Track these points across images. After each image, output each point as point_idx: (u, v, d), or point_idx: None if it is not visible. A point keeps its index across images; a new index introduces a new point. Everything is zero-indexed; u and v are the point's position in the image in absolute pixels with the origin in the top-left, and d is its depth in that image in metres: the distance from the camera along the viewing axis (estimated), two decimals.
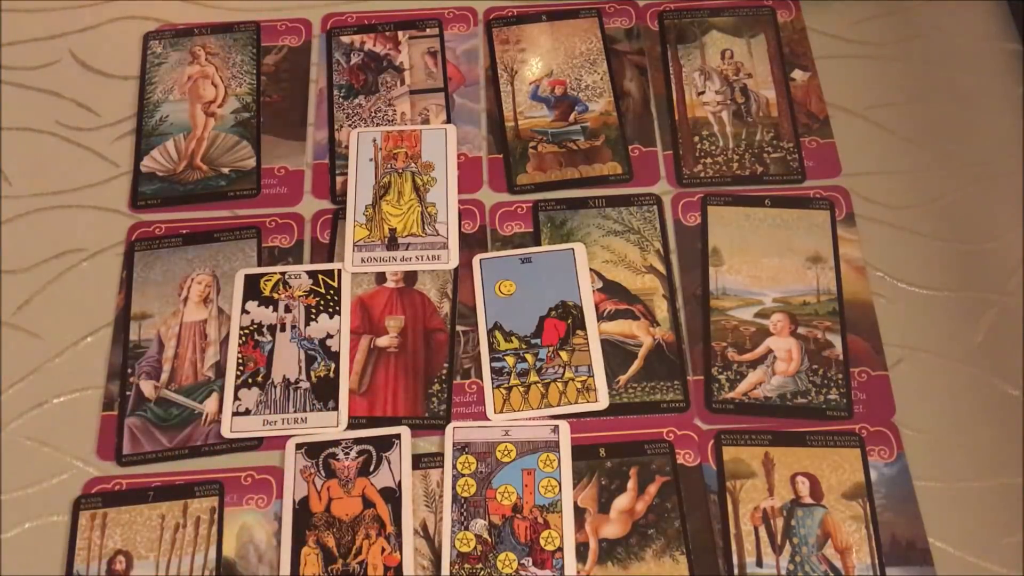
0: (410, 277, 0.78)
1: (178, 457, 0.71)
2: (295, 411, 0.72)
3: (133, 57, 0.89)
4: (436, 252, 0.78)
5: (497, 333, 0.75)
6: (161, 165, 0.83)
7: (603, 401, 0.72)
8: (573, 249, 0.78)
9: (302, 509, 0.68)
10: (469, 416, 0.72)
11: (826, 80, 0.86)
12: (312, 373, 0.73)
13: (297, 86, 0.87)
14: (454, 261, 0.78)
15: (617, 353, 0.74)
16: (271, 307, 0.76)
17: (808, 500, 0.68)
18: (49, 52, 0.89)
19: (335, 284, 0.77)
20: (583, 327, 0.75)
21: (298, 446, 0.70)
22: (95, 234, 0.80)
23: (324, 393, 0.73)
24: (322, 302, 0.76)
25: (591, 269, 0.77)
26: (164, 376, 0.74)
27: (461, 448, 0.70)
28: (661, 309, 0.76)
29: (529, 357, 0.73)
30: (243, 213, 0.81)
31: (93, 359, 0.75)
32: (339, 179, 0.82)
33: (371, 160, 0.82)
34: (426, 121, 0.85)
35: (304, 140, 0.84)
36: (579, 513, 0.68)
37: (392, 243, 0.78)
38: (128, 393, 0.73)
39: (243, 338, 0.75)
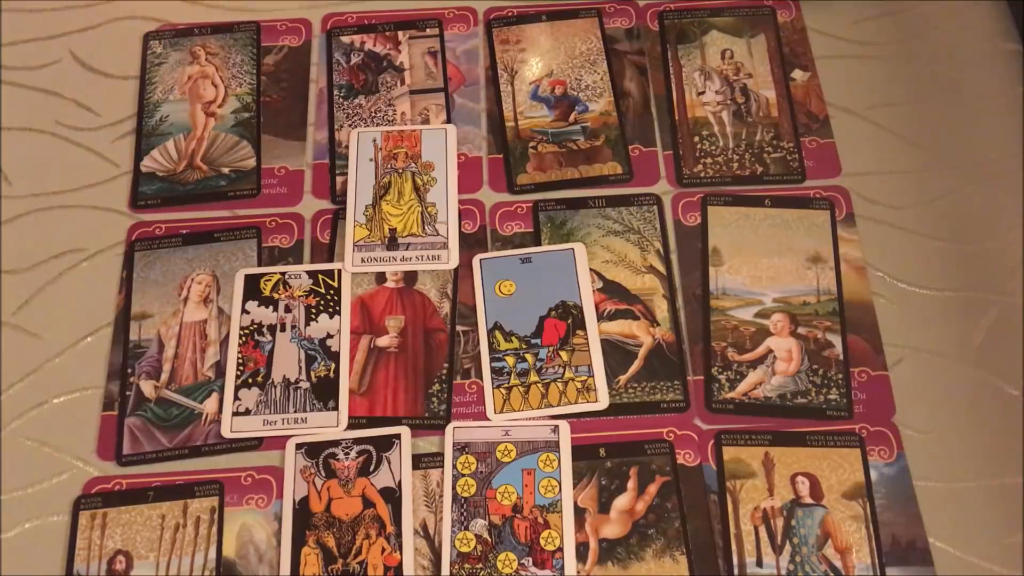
0: (410, 277, 0.78)
1: (178, 457, 0.71)
2: (295, 411, 0.72)
3: (133, 57, 0.89)
4: (436, 252, 0.78)
5: (497, 333, 0.75)
6: (161, 165, 0.83)
7: (603, 401, 0.72)
8: (573, 249, 0.78)
9: (302, 509, 0.68)
10: (469, 416, 0.72)
11: (826, 80, 0.86)
12: (312, 373, 0.73)
13: (297, 86, 0.87)
14: (454, 261, 0.78)
15: (617, 353, 0.74)
16: (271, 307, 0.76)
17: (808, 500, 0.68)
18: (49, 52, 0.89)
19: (335, 284, 0.77)
20: (583, 327, 0.75)
21: (298, 446, 0.70)
22: (95, 234, 0.80)
23: (324, 393, 0.73)
24: (322, 302, 0.76)
25: (591, 269, 0.77)
26: (164, 376, 0.74)
27: (461, 448, 0.70)
28: (661, 309, 0.76)
29: (529, 357, 0.73)
30: (243, 213, 0.81)
31: (93, 359, 0.75)
32: (339, 179, 0.82)
33: (371, 160, 0.82)
34: (426, 121, 0.85)
35: (304, 140, 0.84)
36: (579, 513, 0.68)
37: (392, 243, 0.78)
38: (128, 393, 0.73)
39: (243, 338, 0.75)
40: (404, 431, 0.71)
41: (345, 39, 0.89)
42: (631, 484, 0.69)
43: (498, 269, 0.77)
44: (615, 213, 0.80)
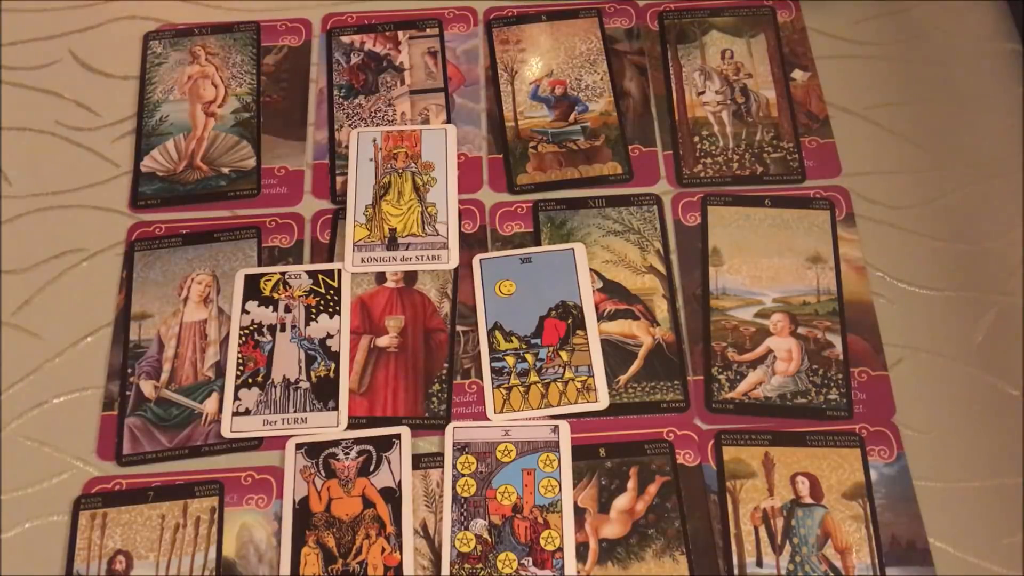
0: (410, 277, 0.78)
1: (178, 457, 0.71)
2: (295, 411, 0.72)
3: (133, 57, 0.89)
4: (436, 252, 0.78)
5: (497, 333, 0.75)
6: (161, 165, 0.83)
7: (603, 401, 0.72)
8: (573, 249, 0.78)
9: (302, 509, 0.68)
10: (469, 416, 0.72)
11: (826, 80, 0.86)
12: (312, 373, 0.73)
13: (297, 86, 0.87)
14: (454, 261, 0.78)
15: (617, 353, 0.74)
16: (271, 307, 0.76)
17: (808, 500, 0.68)
18: (49, 52, 0.89)
19: (335, 284, 0.77)
20: (583, 327, 0.75)
21: (298, 446, 0.70)
22: (95, 234, 0.80)
23: (324, 393, 0.73)
24: (322, 302, 0.76)
25: (591, 269, 0.77)
26: (164, 376, 0.74)
27: (461, 448, 0.70)
28: (661, 309, 0.76)
29: (529, 357, 0.73)
30: (243, 213, 0.81)
31: (93, 359, 0.75)
32: (339, 179, 0.82)
33: (371, 160, 0.82)
34: (426, 121, 0.85)
35: (304, 140, 0.84)
36: (579, 513, 0.68)
37: (392, 243, 0.78)
38: (128, 393, 0.73)
39: (243, 338, 0.75)
40: (404, 431, 0.71)
41: (345, 39, 0.89)
42: (631, 484, 0.69)
43: (498, 269, 0.77)
44: (615, 213, 0.80)
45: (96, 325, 0.76)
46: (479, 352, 0.74)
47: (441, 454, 0.70)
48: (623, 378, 0.73)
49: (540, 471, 0.69)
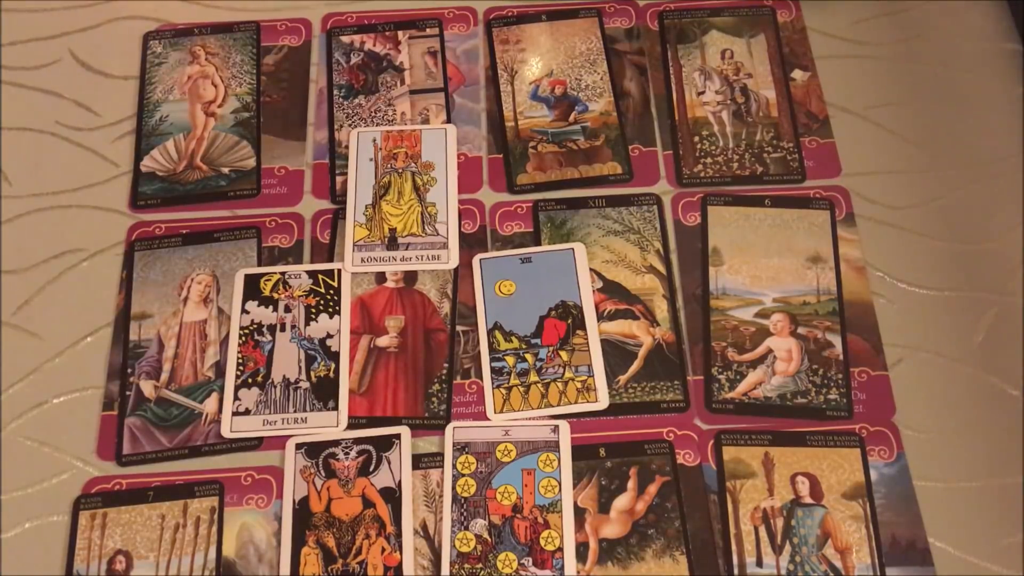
0: (410, 277, 0.78)
1: (178, 457, 0.71)
2: (295, 411, 0.72)
3: (133, 57, 0.89)
4: (436, 252, 0.78)
5: (497, 333, 0.75)
6: (161, 165, 0.83)
7: (603, 401, 0.72)
8: (573, 249, 0.78)
9: (302, 509, 0.68)
10: (469, 416, 0.72)
11: (826, 80, 0.86)
12: (312, 373, 0.73)
13: (297, 86, 0.87)
14: (454, 261, 0.78)
15: (617, 353, 0.74)
16: (271, 307, 0.76)
17: (808, 500, 0.68)
18: (49, 52, 0.89)
19: (335, 284, 0.77)
20: (583, 327, 0.75)
21: (298, 446, 0.70)
22: (95, 234, 0.80)
23: (324, 393, 0.73)
24: (322, 302, 0.76)
25: (591, 269, 0.77)
26: (164, 376, 0.74)
27: (461, 448, 0.70)
28: (661, 309, 0.76)
29: (529, 357, 0.73)
30: (243, 213, 0.81)
31: (93, 359, 0.75)
32: (339, 179, 0.82)
33: (371, 160, 0.82)
34: (426, 121, 0.85)
35: (304, 140, 0.84)
36: (579, 513, 0.68)
37: (392, 243, 0.78)
38: (128, 393, 0.73)
39: (243, 338, 0.75)
40: (404, 431, 0.71)
41: (345, 39, 0.89)
42: (631, 484, 0.69)
43: (498, 269, 0.77)
44: (615, 213, 0.80)
45: (96, 325, 0.76)
46: (479, 352, 0.74)
47: (441, 454, 0.70)
48: (623, 378, 0.73)
49: (540, 471, 0.69)
